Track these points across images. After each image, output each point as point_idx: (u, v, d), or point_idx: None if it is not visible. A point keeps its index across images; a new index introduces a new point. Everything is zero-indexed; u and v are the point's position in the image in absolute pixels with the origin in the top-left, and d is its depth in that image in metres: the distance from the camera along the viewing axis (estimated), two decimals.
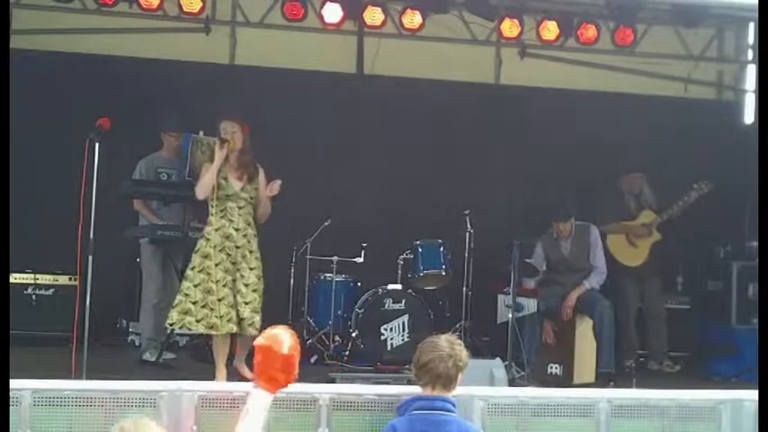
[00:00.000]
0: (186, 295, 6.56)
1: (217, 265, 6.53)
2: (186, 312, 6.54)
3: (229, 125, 6.72)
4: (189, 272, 6.61)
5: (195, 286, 6.54)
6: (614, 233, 8.62)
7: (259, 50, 9.70)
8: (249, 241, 6.66)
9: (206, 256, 6.54)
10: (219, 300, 6.50)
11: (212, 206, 6.60)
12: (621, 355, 8.37)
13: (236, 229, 6.62)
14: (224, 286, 6.53)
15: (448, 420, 4.48)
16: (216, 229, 6.59)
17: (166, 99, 8.88)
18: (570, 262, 8.09)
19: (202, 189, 6.61)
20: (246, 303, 6.57)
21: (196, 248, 6.63)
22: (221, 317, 6.48)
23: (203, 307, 6.50)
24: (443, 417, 4.49)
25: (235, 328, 6.55)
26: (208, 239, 6.58)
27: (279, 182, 6.78)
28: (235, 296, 6.55)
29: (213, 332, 6.54)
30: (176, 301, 6.61)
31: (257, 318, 6.59)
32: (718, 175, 8.66)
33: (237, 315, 6.55)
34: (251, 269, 6.63)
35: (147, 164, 7.97)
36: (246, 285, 6.60)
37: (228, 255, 6.58)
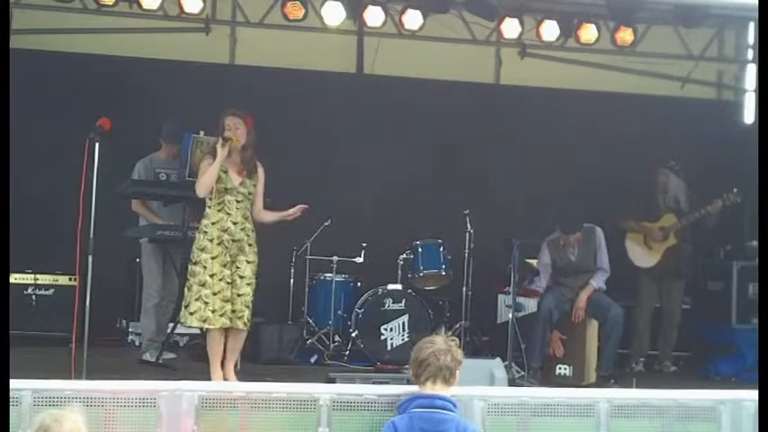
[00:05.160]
0: (188, 289, 6.53)
1: (214, 258, 6.46)
2: (186, 306, 6.51)
3: (233, 121, 6.61)
4: (190, 267, 6.57)
5: (192, 278, 6.51)
6: (633, 232, 8.53)
7: (259, 50, 9.71)
8: (248, 235, 6.59)
9: (203, 249, 6.48)
10: (214, 294, 6.43)
11: (210, 199, 6.54)
12: (631, 356, 8.36)
13: (234, 223, 6.54)
14: (220, 280, 6.46)
15: (446, 419, 4.50)
16: (213, 223, 6.51)
17: (166, 99, 8.88)
18: (577, 266, 7.93)
19: (203, 187, 6.52)
20: (239, 296, 6.52)
21: (195, 243, 6.59)
22: (214, 311, 6.42)
23: (197, 300, 6.44)
24: (442, 415, 4.50)
25: (228, 323, 6.49)
26: (205, 232, 6.51)
27: (302, 206, 6.71)
28: (231, 290, 6.50)
29: (206, 326, 6.48)
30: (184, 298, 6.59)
31: (247, 312, 6.54)
32: (717, 174, 8.65)
33: (232, 309, 6.50)
34: (248, 262, 6.56)
35: (146, 164, 7.93)
36: (242, 278, 6.54)
37: (227, 248, 6.50)
